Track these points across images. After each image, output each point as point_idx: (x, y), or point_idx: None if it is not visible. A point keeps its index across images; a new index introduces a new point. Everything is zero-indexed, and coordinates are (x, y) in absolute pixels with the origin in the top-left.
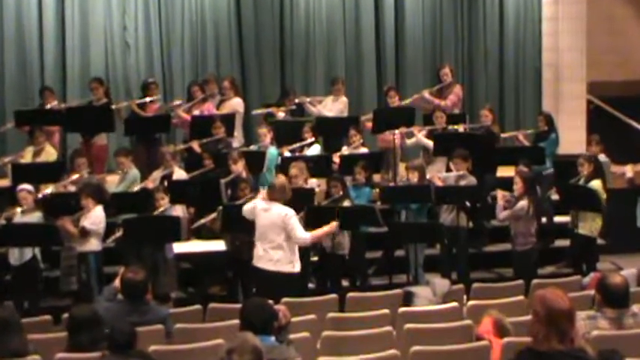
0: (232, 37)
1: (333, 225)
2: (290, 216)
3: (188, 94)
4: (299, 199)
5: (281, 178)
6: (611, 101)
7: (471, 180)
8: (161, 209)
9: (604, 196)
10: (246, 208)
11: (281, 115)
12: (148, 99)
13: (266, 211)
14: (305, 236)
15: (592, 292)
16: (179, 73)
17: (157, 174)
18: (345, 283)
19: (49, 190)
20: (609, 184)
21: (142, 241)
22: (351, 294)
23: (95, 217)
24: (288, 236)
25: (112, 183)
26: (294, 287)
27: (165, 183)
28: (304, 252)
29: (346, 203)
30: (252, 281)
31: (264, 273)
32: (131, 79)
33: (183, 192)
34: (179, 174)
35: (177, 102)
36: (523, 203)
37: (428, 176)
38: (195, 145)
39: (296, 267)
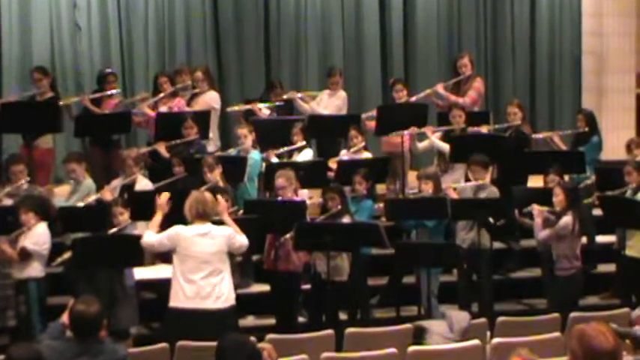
0: (207, 18)
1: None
2: (234, 234)
3: (154, 87)
4: (287, 215)
5: (206, 193)
6: None
7: (493, 191)
8: (120, 226)
9: None
10: (161, 238)
11: (265, 112)
12: (104, 93)
13: (204, 236)
14: (246, 239)
15: None
16: (142, 61)
17: (116, 183)
18: (343, 316)
19: None
20: None
21: (96, 265)
22: (350, 329)
23: (38, 236)
24: (228, 261)
25: (60, 195)
26: (234, 321)
27: (126, 194)
28: (295, 277)
29: (345, 219)
30: (185, 331)
31: (212, 316)
32: (83, 69)
33: (148, 205)
34: (142, 183)
35: (140, 96)
36: (567, 220)
37: (443, 186)
38: (162, 149)
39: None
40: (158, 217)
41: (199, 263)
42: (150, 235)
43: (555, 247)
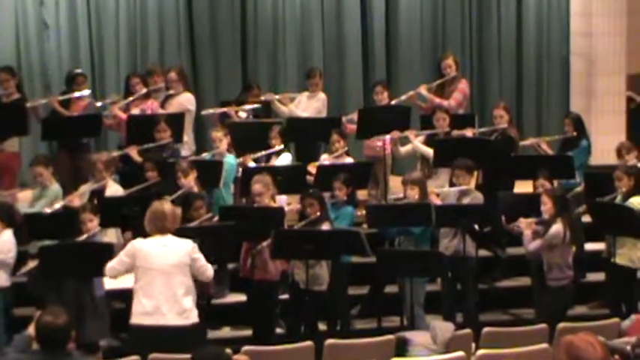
0: (180, 16)
1: None
2: (197, 248)
3: (126, 89)
4: (264, 222)
5: (165, 203)
6: None
7: (477, 197)
8: (89, 234)
9: None
10: (119, 257)
11: (242, 115)
12: (73, 94)
13: (164, 248)
14: (211, 270)
15: (633, 339)
16: (113, 61)
17: (85, 189)
18: (322, 326)
19: None
20: None
21: (64, 274)
22: (330, 341)
23: (3, 243)
24: (191, 276)
25: (25, 201)
26: (198, 339)
27: (95, 200)
28: (272, 286)
29: (325, 226)
30: (147, 348)
31: (173, 333)
32: (50, 69)
33: (118, 212)
34: (113, 189)
35: (111, 98)
36: (557, 228)
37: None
38: (134, 153)
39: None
40: None
41: (159, 277)
42: (110, 262)
43: (547, 256)
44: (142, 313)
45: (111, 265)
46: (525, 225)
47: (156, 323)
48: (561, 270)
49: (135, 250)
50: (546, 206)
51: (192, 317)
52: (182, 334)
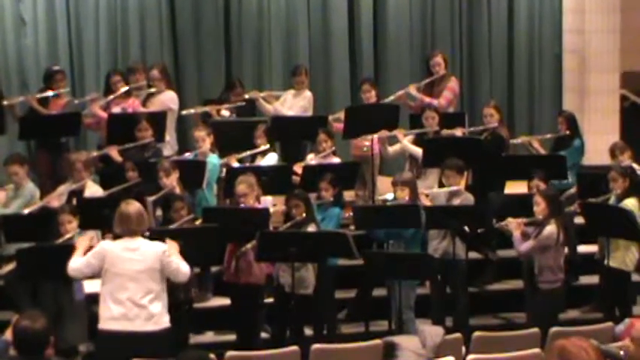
0: (163, 12)
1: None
2: (168, 252)
3: (106, 87)
4: (249, 224)
5: (130, 205)
6: None
7: (467, 198)
8: (67, 236)
9: None
10: (87, 259)
11: (225, 114)
12: (51, 92)
13: (133, 252)
14: (187, 268)
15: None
16: (92, 58)
17: (64, 189)
18: (308, 331)
19: None
20: None
21: (42, 277)
22: (316, 345)
23: None
24: (163, 279)
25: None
26: (168, 345)
27: (74, 201)
28: (257, 290)
29: (311, 228)
30: (115, 355)
31: (141, 339)
32: (28, 66)
33: (98, 213)
34: (93, 189)
35: (90, 96)
36: (551, 229)
37: None
38: (115, 152)
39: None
40: (79, 252)
41: (127, 281)
42: (75, 261)
43: (538, 258)
44: (109, 319)
45: (77, 266)
46: (515, 226)
47: (124, 329)
48: (553, 272)
49: (104, 253)
50: (539, 207)
51: (163, 322)
52: (152, 340)
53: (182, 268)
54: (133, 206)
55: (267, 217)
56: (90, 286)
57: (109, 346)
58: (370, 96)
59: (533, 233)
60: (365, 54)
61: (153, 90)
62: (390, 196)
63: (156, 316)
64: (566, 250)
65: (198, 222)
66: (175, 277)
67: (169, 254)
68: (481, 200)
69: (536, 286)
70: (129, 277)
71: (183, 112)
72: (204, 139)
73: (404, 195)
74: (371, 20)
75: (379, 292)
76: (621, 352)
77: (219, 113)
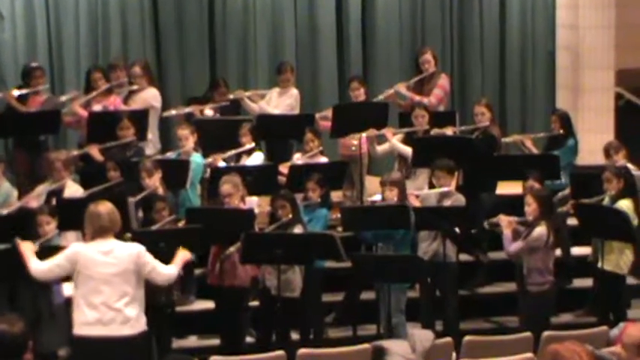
0: (144, 7)
1: (187, 255)
2: (144, 252)
3: (86, 84)
4: (233, 225)
5: (100, 204)
6: None
7: (458, 199)
8: (46, 237)
9: (636, 220)
10: (58, 260)
11: (209, 113)
12: (30, 89)
13: (107, 254)
14: (172, 270)
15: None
16: (72, 54)
17: (42, 189)
18: (294, 335)
19: None
20: None
21: (19, 280)
22: (303, 350)
23: None
24: (139, 282)
25: None
26: (146, 349)
27: (54, 201)
28: (242, 293)
29: (297, 229)
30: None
31: (116, 344)
32: (6, 62)
33: (78, 214)
34: (72, 189)
35: (71, 94)
36: (540, 230)
37: None
38: (95, 151)
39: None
40: (31, 255)
41: (101, 285)
42: (38, 263)
43: (527, 260)
44: (84, 324)
45: (43, 268)
46: (506, 223)
47: (99, 334)
48: (541, 275)
49: (76, 255)
50: (530, 207)
51: (139, 326)
52: (128, 345)
53: (163, 270)
54: (103, 205)
55: (253, 218)
56: (70, 290)
57: (84, 352)
58: (359, 94)
59: (522, 234)
60: (353, 50)
61: (135, 87)
62: (377, 197)
63: (132, 320)
64: (558, 252)
65: (181, 223)
66: (154, 279)
67: (143, 256)
68: (472, 201)
69: (525, 289)
70: (103, 280)
71: (165, 114)
72: (187, 137)
73: (392, 195)
74: (359, 16)
75: (367, 295)
76: (614, 358)
77: (203, 113)
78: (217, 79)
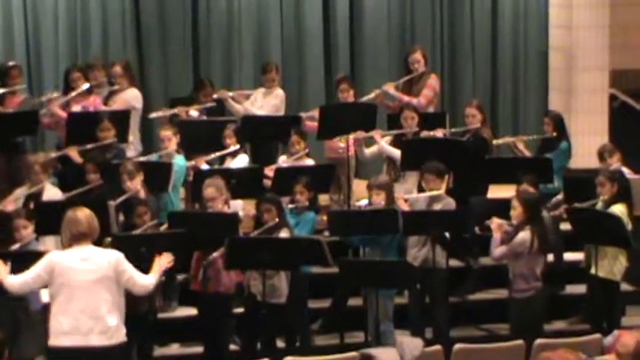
0: (126, 5)
1: (166, 262)
2: (123, 259)
3: (65, 84)
4: (217, 229)
5: (79, 209)
6: None
7: (449, 203)
8: (23, 242)
9: (630, 225)
10: (35, 271)
11: (193, 114)
12: (6, 89)
13: (84, 262)
14: (150, 280)
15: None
16: (51, 54)
17: (20, 193)
18: (280, 343)
19: None
20: (638, 209)
21: None
22: (288, 358)
23: None
24: (119, 289)
25: None
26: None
27: (31, 205)
28: (226, 299)
29: (283, 234)
30: None
31: (95, 355)
32: None
33: (56, 218)
34: (51, 192)
35: (50, 94)
36: (524, 236)
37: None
38: (75, 153)
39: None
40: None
41: (79, 293)
42: (13, 278)
43: (512, 266)
44: (60, 333)
45: (23, 280)
46: (496, 227)
47: (76, 344)
48: (526, 281)
49: (53, 265)
50: (516, 211)
51: (118, 336)
52: (106, 356)
53: (141, 280)
54: (81, 211)
55: (237, 222)
56: (47, 296)
57: None
58: (348, 95)
59: (508, 237)
60: (340, 50)
61: (115, 87)
62: (364, 202)
63: (111, 330)
64: (551, 257)
65: (163, 227)
66: (132, 287)
67: (122, 262)
68: (463, 205)
69: (511, 295)
70: (81, 287)
71: (151, 116)
72: (170, 139)
73: (380, 199)
74: (347, 14)
75: (355, 301)
76: None
77: (188, 115)
78: (203, 79)
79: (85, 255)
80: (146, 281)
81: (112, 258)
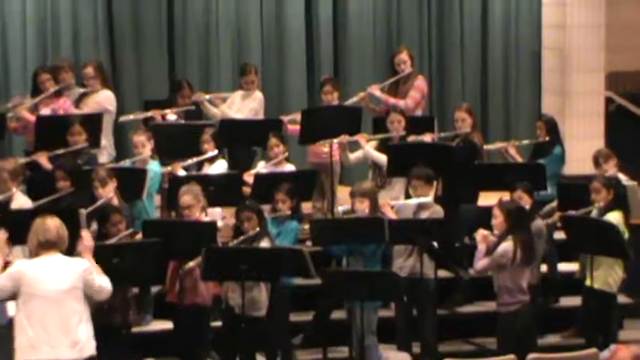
0: (98, 3)
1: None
2: (91, 268)
3: (34, 86)
4: (194, 239)
5: (48, 217)
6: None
7: (437, 210)
8: None
9: (626, 234)
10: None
11: (172, 118)
12: None
13: (53, 270)
14: (108, 283)
15: None
16: (18, 55)
17: None
18: (260, 358)
19: None
20: (635, 217)
21: None
22: None
23: None
24: (86, 299)
25: None
26: None
27: None
28: (203, 312)
29: (264, 243)
30: None
31: None
32: None
33: (25, 227)
34: (20, 201)
35: (17, 99)
36: (505, 247)
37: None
38: (44, 159)
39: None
40: None
41: (48, 304)
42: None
43: (496, 278)
44: (28, 346)
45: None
46: (480, 238)
47: (44, 358)
48: (511, 294)
49: (19, 274)
50: (497, 220)
51: (88, 349)
52: None
53: (104, 284)
54: (51, 219)
55: (215, 231)
56: (14, 310)
57: None
58: (332, 98)
59: (491, 249)
60: (323, 50)
61: (87, 89)
62: (343, 208)
63: (81, 343)
64: (544, 268)
65: (137, 236)
66: (98, 294)
67: (91, 272)
68: (452, 213)
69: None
70: (49, 298)
71: (122, 119)
72: (144, 144)
73: (363, 207)
74: (330, 13)
75: (339, 314)
76: None
77: (165, 118)
78: (180, 80)
79: (53, 264)
80: (109, 284)
81: (81, 267)
